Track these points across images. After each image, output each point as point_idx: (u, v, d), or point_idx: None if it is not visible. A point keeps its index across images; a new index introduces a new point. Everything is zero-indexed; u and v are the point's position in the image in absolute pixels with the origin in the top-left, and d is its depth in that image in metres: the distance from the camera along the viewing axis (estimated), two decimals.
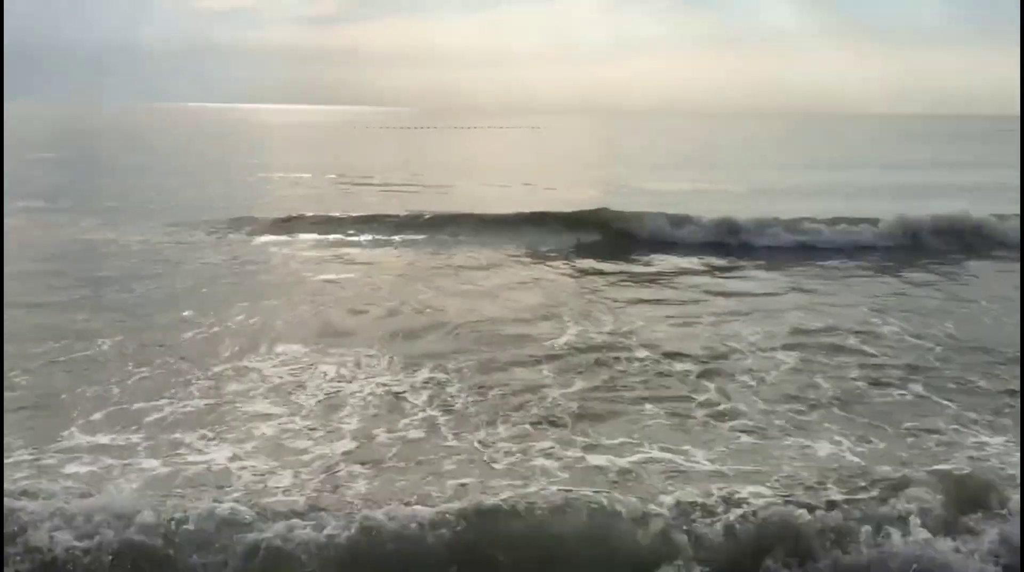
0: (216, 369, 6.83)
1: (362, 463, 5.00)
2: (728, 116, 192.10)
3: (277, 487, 4.60)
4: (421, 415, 5.88)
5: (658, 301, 9.79)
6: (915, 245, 13.90)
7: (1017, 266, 11.83)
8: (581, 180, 24.59)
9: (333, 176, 24.88)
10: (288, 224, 14.02)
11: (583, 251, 12.86)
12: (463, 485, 4.70)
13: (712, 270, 11.80)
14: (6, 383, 6.38)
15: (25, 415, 5.79)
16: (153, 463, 4.90)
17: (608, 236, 13.88)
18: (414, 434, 5.55)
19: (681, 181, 24.69)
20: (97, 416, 5.77)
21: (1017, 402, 6.18)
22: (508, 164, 30.14)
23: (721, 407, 6.10)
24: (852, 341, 7.87)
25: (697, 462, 5.11)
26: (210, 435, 5.44)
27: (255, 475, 4.73)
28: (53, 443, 5.26)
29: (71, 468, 4.79)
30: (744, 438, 5.54)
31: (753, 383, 6.66)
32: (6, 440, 5.22)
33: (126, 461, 4.91)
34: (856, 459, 5.19)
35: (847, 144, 54.61)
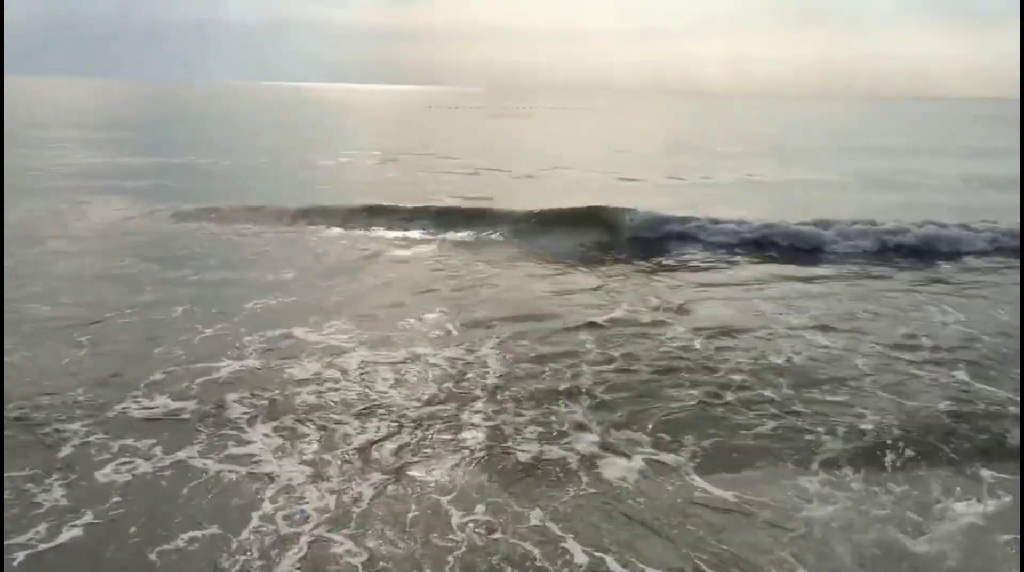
0: (270, 334, 7.29)
1: (382, 472, 4.90)
2: (812, 98, 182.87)
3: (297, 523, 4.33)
4: (455, 400, 6.05)
5: (711, 297, 10.00)
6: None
7: None
8: (653, 169, 23.41)
9: (408, 160, 24.49)
10: (352, 214, 13.84)
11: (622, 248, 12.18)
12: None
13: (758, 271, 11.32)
14: (73, 341, 6.94)
15: (93, 371, 6.29)
16: (195, 458, 5.02)
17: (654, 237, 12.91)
18: (443, 411, 5.72)
19: (765, 168, 23.71)
20: (158, 375, 6.22)
21: None
22: (584, 151, 29.26)
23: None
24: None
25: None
26: (256, 403, 5.76)
27: (282, 495, 4.61)
28: (111, 409, 5.65)
29: (105, 472, 4.81)
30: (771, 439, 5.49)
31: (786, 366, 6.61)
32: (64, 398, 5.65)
33: (169, 460, 4.99)
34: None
35: (950, 130, 51.52)
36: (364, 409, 5.74)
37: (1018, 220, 13.29)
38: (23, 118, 41.19)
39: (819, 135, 46.46)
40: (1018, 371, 6.76)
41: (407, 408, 5.75)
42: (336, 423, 5.50)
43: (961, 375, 6.65)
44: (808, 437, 5.43)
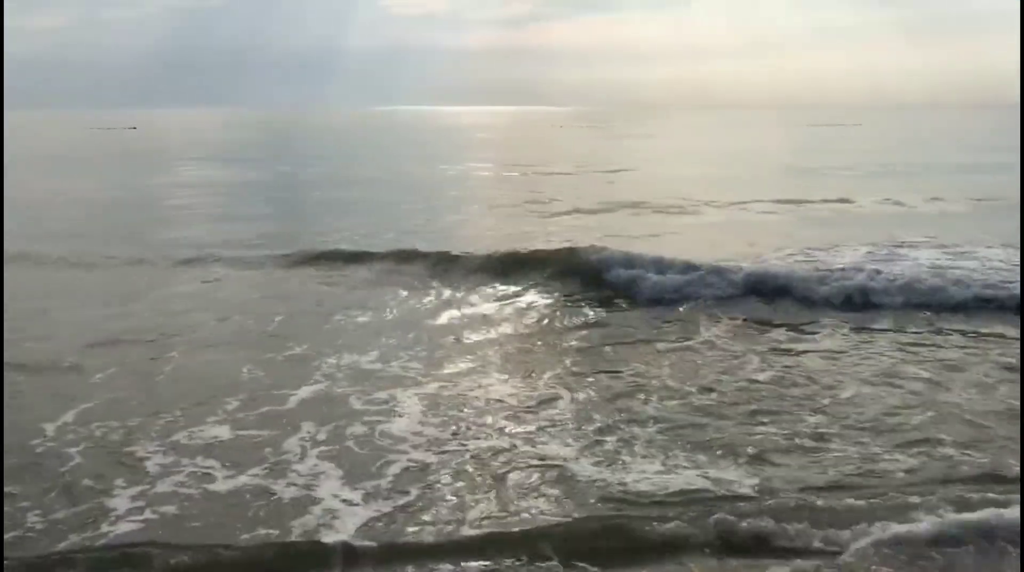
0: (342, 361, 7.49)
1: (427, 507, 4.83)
2: (938, 109, 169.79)
3: None
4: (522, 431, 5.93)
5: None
6: None
7: None
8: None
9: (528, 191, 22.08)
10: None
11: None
12: None
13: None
14: (159, 362, 7.39)
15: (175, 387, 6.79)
16: (243, 483, 5.14)
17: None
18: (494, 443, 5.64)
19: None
20: (232, 402, 6.43)
21: None
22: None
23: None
24: None
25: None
26: (318, 438, 5.78)
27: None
28: (185, 428, 5.91)
29: (167, 483, 5.08)
30: None
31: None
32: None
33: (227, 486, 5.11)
34: None
35: None
36: (426, 439, 5.75)
37: None
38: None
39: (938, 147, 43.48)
40: None
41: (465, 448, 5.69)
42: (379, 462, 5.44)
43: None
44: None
